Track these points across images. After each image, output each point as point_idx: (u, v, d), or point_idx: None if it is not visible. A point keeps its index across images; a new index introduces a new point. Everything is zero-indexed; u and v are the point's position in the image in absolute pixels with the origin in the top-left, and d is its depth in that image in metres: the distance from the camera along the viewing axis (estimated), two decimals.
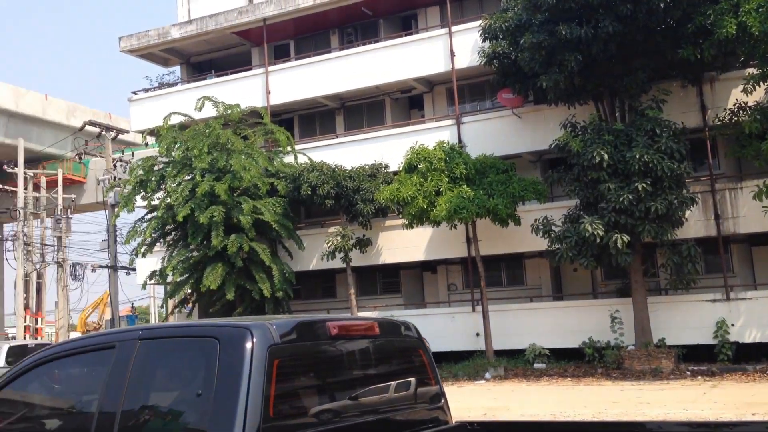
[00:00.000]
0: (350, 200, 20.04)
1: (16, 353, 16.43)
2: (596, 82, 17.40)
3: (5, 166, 32.79)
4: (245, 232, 19.56)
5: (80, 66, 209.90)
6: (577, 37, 15.87)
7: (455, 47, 20.79)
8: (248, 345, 3.40)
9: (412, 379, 4.30)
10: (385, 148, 21.21)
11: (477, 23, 19.72)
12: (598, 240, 15.78)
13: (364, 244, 20.69)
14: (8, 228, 38.62)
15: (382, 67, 21.80)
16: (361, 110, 23.92)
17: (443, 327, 19.66)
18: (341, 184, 19.90)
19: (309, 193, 19.94)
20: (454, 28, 20.95)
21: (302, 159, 21.51)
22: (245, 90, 23.54)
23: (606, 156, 15.98)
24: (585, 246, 16.17)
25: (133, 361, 3.65)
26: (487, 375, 17.67)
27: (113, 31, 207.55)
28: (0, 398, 4.12)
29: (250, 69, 24.67)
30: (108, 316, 30.28)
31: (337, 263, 20.85)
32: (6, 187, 34.30)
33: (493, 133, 20.41)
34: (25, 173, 31.88)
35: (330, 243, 20.47)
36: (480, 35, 19.08)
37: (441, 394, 4.45)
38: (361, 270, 22.08)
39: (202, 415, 3.35)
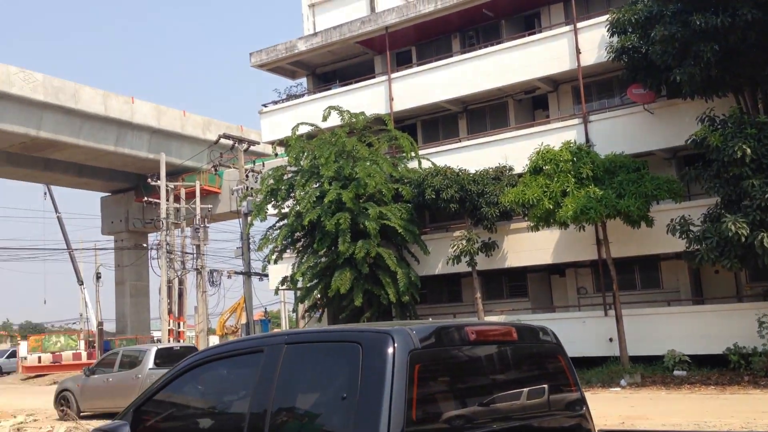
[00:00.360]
0: (474, 204, 19.93)
1: (163, 355, 17.45)
2: (736, 73, 16.39)
3: (149, 180, 34.98)
4: (371, 237, 19.88)
5: (214, 82, 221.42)
6: (713, 26, 15.01)
7: (581, 44, 20.24)
8: (390, 350, 3.48)
9: (552, 386, 4.23)
10: (509, 150, 20.95)
11: (603, 18, 19.12)
12: (742, 240, 14.82)
13: (489, 247, 20.51)
14: (153, 237, 41.24)
15: (504, 69, 21.57)
16: (484, 113, 23.76)
17: (573, 332, 19.11)
18: (465, 187, 19.83)
19: (433, 197, 20.01)
20: (579, 25, 20.41)
21: (426, 164, 21.62)
22: (369, 98, 23.97)
23: (749, 150, 15.02)
24: (728, 246, 15.23)
25: (280, 364, 3.82)
26: (623, 382, 17.02)
27: (244, 47, 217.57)
28: (158, 399, 4.41)
29: (373, 77, 25.10)
30: (244, 320, 31.62)
31: (462, 267, 20.79)
32: (150, 199, 36.61)
33: (623, 131, 19.69)
34: (166, 186, 33.86)
35: (455, 247, 20.45)
36: (607, 30, 18.48)
37: (582, 401, 4.35)
38: (487, 274, 21.88)
39: (347, 417, 3.45)
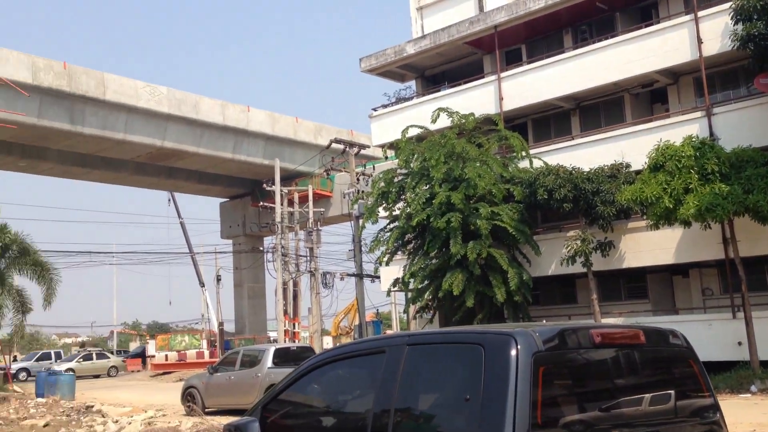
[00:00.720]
0: (589, 203, 19.38)
1: (280, 355, 18.02)
2: None
3: (264, 185, 36.20)
4: (483, 238, 19.71)
5: (325, 88, 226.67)
6: None
7: (702, 33, 19.26)
8: (513, 352, 3.45)
9: (681, 391, 4.06)
10: (626, 147, 20.22)
11: (726, 5, 18.12)
12: None
13: (605, 247, 19.88)
14: (268, 241, 42.62)
15: (620, 62, 20.85)
16: (598, 109, 23.05)
17: (698, 335, 18.10)
18: (579, 186, 19.31)
19: (545, 197, 19.61)
20: (700, 13, 19.43)
21: (537, 163, 21.22)
22: (478, 98, 23.80)
23: None
24: None
25: (402, 365, 3.86)
26: (753, 388, 16.06)
27: (353, 54, 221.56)
28: (284, 397, 4.56)
29: (482, 77, 24.90)
30: (357, 321, 32.12)
31: (576, 268, 20.24)
32: (266, 203, 37.88)
33: (750, 123, 18.58)
34: (281, 190, 34.92)
35: (569, 247, 19.95)
36: (731, 18, 17.50)
37: (715, 407, 4.15)
38: (603, 274, 21.19)
39: (470, 419, 3.44)
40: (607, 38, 21.86)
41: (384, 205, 22.43)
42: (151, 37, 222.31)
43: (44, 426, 15.75)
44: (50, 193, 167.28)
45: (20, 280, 26.59)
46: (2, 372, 26.58)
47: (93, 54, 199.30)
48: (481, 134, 22.17)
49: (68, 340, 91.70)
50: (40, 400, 20.84)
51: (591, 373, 3.83)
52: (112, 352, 56.54)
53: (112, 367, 42.22)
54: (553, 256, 21.08)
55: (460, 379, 3.69)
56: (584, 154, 21.03)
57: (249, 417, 4.44)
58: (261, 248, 43.78)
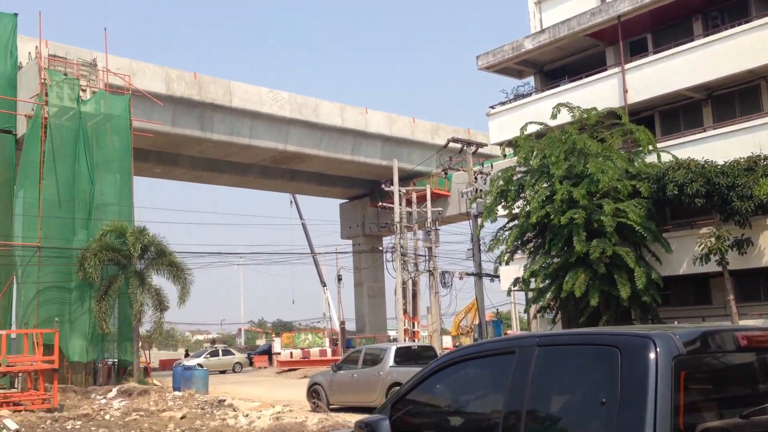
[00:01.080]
0: (724, 198, 18.29)
1: (402, 354, 18.18)
2: None
3: (383, 186, 36.66)
4: (607, 236, 19.04)
5: (441, 88, 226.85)
6: None
7: None
8: (652, 355, 3.33)
9: None
10: (764, 138, 18.95)
11: None
12: None
13: (742, 244, 18.70)
14: (387, 241, 43.13)
15: (755, 49, 19.57)
16: (732, 98, 21.72)
17: None
18: (712, 180, 18.27)
19: (675, 192, 18.68)
20: None
21: (665, 157, 20.25)
22: (600, 92, 23.04)
23: None
24: None
25: (533, 366, 3.80)
26: None
27: (468, 52, 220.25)
28: (413, 396, 4.59)
29: (605, 69, 24.07)
30: (477, 321, 31.91)
31: (711, 267, 19.16)
32: (384, 204, 38.35)
33: None
34: (399, 191, 35.24)
35: (702, 245, 18.92)
36: None
37: None
38: (740, 273, 19.94)
39: (607, 423, 3.35)
40: (740, 23, 20.56)
41: (503, 203, 22.13)
42: (273, 44, 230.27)
43: (181, 418, 16.64)
44: (182, 197, 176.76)
45: (157, 280, 28.26)
46: (143, 366, 28.33)
47: (220, 63, 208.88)
48: (603, 129, 21.43)
49: (200, 337, 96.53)
50: (176, 393, 22.04)
51: (732, 378, 3.69)
52: (240, 349, 59.04)
53: (236, 363, 44.05)
54: (685, 254, 20.05)
55: (594, 382, 3.59)
56: (717, 146, 19.89)
57: (379, 415, 4.50)
58: (380, 248, 44.33)
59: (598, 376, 3.56)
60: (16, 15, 29.30)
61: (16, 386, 24.15)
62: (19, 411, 18.06)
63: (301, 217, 54.01)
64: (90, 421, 16.57)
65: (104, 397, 21.55)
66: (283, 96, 39.20)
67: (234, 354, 46.78)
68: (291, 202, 53.41)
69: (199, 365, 31.12)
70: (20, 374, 22.82)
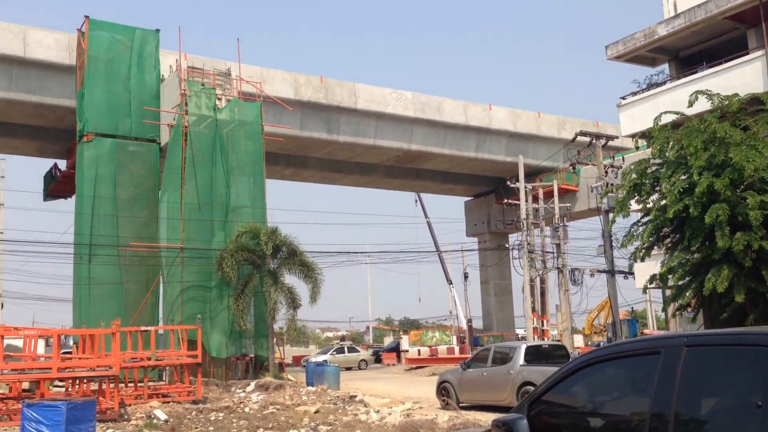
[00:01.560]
0: None
1: (532, 352, 17.87)
2: None
3: (508, 182, 36.18)
4: (753, 229, 17.82)
5: (566, 81, 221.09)
6: None
7: None
8: None
9: None
10: None
11: None
12: None
13: None
14: (513, 238, 42.53)
15: None
16: None
17: None
18: None
19: None
20: None
21: None
22: (741, 77, 21.63)
23: None
24: None
25: (680, 367, 3.65)
26: None
27: (593, 42, 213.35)
28: (551, 395, 4.50)
29: (747, 53, 22.56)
30: (610, 319, 30.86)
31: None
32: (510, 200, 37.83)
33: None
34: (524, 187, 34.68)
35: None
36: None
37: None
38: None
39: (763, 427, 3.22)
40: None
41: (636, 197, 21.23)
42: (395, 44, 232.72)
43: (315, 412, 17.17)
44: (310, 198, 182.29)
45: (290, 279, 29.31)
46: (278, 362, 29.46)
47: (344, 66, 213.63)
48: (746, 116, 20.07)
49: (329, 334, 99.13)
50: (310, 388, 22.77)
51: None
52: (368, 346, 60.09)
53: (361, 360, 44.83)
54: None
55: (747, 384, 3.45)
56: None
57: (516, 414, 4.46)
58: (506, 245, 43.80)
59: (751, 378, 3.43)
60: (158, 31, 31.28)
61: (164, 379, 25.81)
62: (167, 402, 19.27)
63: (426, 216, 54.22)
64: (231, 413, 17.42)
65: (243, 391, 22.59)
66: (406, 96, 39.57)
67: (359, 351, 47.68)
68: (416, 200, 53.75)
69: (326, 362, 31.98)
70: (167, 368, 24.33)
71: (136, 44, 30.64)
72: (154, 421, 15.90)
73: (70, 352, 25.35)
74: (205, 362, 24.79)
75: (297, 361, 44.82)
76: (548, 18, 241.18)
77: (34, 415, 12.54)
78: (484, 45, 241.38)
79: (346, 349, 46.13)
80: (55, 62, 31.47)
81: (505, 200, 38.64)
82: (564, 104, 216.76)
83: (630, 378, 4.15)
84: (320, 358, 38.02)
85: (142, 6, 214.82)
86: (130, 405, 18.29)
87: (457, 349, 43.52)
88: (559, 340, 33.47)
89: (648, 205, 20.96)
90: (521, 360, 17.31)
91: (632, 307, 46.71)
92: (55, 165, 38.31)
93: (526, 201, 34.87)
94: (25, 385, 20.10)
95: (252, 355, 29.09)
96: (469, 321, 47.01)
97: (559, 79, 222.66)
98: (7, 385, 20.10)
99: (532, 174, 39.73)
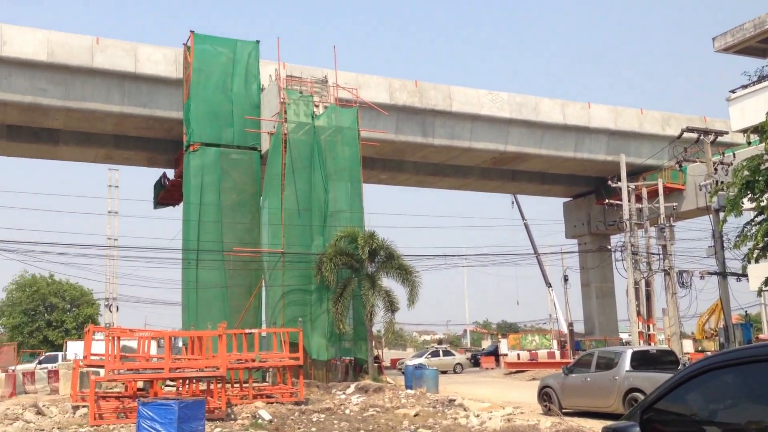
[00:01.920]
0: None
1: (638, 358, 17.23)
2: None
3: (609, 182, 35.12)
4: None
5: (670, 75, 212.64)
6: None
7: None
8: None
9: None
10: None
11: None
12: None
13: None
14: (615, 239, 41.22)
15: None
16: None
17: None
18: None
19: None
20: None
21: None
22: None
23: None
24: None
25: None
26: None
27: (695, 36, 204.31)
28: (664, 403, 4.32)
29: None
30: (722, 323, 29.40)
31: None
32: (611, 201, 36.71)
33: None
34: (627, 186, 33.57)
35: None
36: None
37: None
38: None
39: None
40: None
41: (749, 195, 20.15)
42: (490, 45, 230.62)
43: (414, 415, 17.19)
44: (405, 202, 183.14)
45: (387, 282, 29.49)
46: (376, 364, 29.71)
47: (438, 69, 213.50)
48: None
49: (427, 337, 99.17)
50: (409, 391, 22.82)
51: None
52: (466, 350, 59.66)
53: (457, 364, 44.45)
54: None
55: None
56: None
57: (628, 422, 4.31)
58: (608, 247, 42.51)
59: None
60: (258, 42, 32.28)
61: (267, 380, 26.53)
62: (271, 403, 19.79)
63: (523, 217, 53.44)
64: (332, 414, 17.69)
65: (343, 393, 22.91)
66: (501, 97, 39.15)
67: (454, 354, 47.34)
68: (512, 202, 53.09)
69: (424, 365, 31.96)
70: (270, 369, 24.99)
71: (237, 56, 31.72)
72: (259, 421, 16.35)
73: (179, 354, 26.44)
74: (306, 364, 25.29)
75: (393, 364, 45.04)
76: (650, 10, 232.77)
77: (149, 413, 13.15)
78: (582, 43, 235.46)
79: (441, 352, 45.96)
80: (163, 76, 33.03)
81: (607, 200, 37.53)
82: (669, 100, 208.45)
83: (752, 386, 3.93)
84: (415, 362, 38.06)
85: (244, 19, 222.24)
86: (236, 405, 18.89)
87: (557, 353, 42.60)
88: (667, 345, 32.16)
89: (762, 204, 19.86)
90: (627, 365, 16.73)
91: (746, 311, 44.34)
92: (164, 174, 40.13)
93: (629, 201, 33.72)
94: (140, 384, 21.15)
95: (351, 358, 29.45)
96: (570, 325, 45.91)
97: (662, 74, 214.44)
98: (123, 384, 21.20)
99: (635, 173, 38.46)
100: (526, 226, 53.30)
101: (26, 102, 31.71)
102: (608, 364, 17.49)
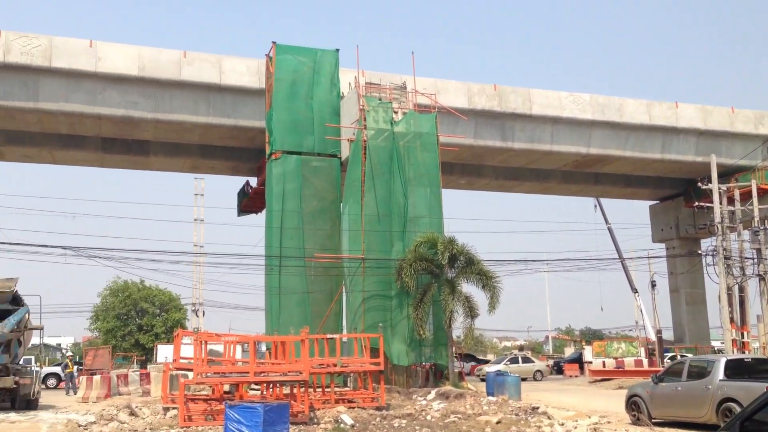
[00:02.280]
0: None
1: (732, 367, 16.49)
2: None
3: (699, 183, 33.90)
4: None
5: (764, 70, 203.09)
6: None
7: None
8: None
9: None
10: None
11: None
12: None
13: None
14: (706, 243, 39.74)
15: None
16: None
17: None
18: None
19: None
20: None
21: None
22: None
23: None
24: None
25: None
26: None
27: None
28: (761, 419, 4.13)
29: None
30: None
31: None
32: (701, 203, 35.39)
33: None
34: (718, 188, 32.31)
35: None
36: None
37: None
38: None
39: None
40: None
41: None
42: (570, 47, 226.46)
43: (497, 423, 16.96)
44: (485, 207, 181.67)
45: (467, 288, 29.27)
46: (458, 371, 29.50)
47: (518, 72, 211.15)
48: None
49: (507, 344, 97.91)
50: (491, 398, 22.55)
51: None
52: (548, 356, 58.50)
53: (536, 371, 43.59)
54: None
55: None
56: None
57: None
58: (698, 251, 41.04)
59: None
60: (337, 51, 32.72)
61: (348, 385, 26.76)
62: (353, 407, 19.94)
63: (606, 221, 52.03)
64: (413, 420, 17.67)
65: (424, 399, 22.85)
66: (584, 98, 38.36)
67: (534, 362, 46.47)
68: (595, 206, 51.82)
69: (505, 372, 31.53)
70: (352, 374, 25.18)
71: (317, 65, 32.23)
72: (342, 425, 16.49)
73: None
74: (387, 369, 25.36)
75: (472, 370, 44.61)
76: (738, 5, 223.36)
77: (236, 415, 13.48)
78: (665, 43, 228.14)
79: (520, 359, 45.22)
80: (246, 87, 33.94)
81: (696, 203, 36.23)
82: (762, 98, 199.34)
83: None
84: (494, 368, 37.56)
85: (324, 28, 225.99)
86: (318, 409, 19.13)
87: (645, 361, 41.27)
88: (762, 354, 30.72)
89: None
90: (720, 374, 16.04)
91: None
92: (247, 182, 41.16)
93: (721, 203, 32.44)
94: (226, 387, 21.71)
95: (432, 363, 29.36)
96: (659, 332, 44.37)
97: (755, 71, 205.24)
98: (210, 386, 21.80)
99: (726, 174, 37.03)
100: (610, 231, 51.89)
101: (119, 115, 33.17)
102: (700, 372, 16.83)
